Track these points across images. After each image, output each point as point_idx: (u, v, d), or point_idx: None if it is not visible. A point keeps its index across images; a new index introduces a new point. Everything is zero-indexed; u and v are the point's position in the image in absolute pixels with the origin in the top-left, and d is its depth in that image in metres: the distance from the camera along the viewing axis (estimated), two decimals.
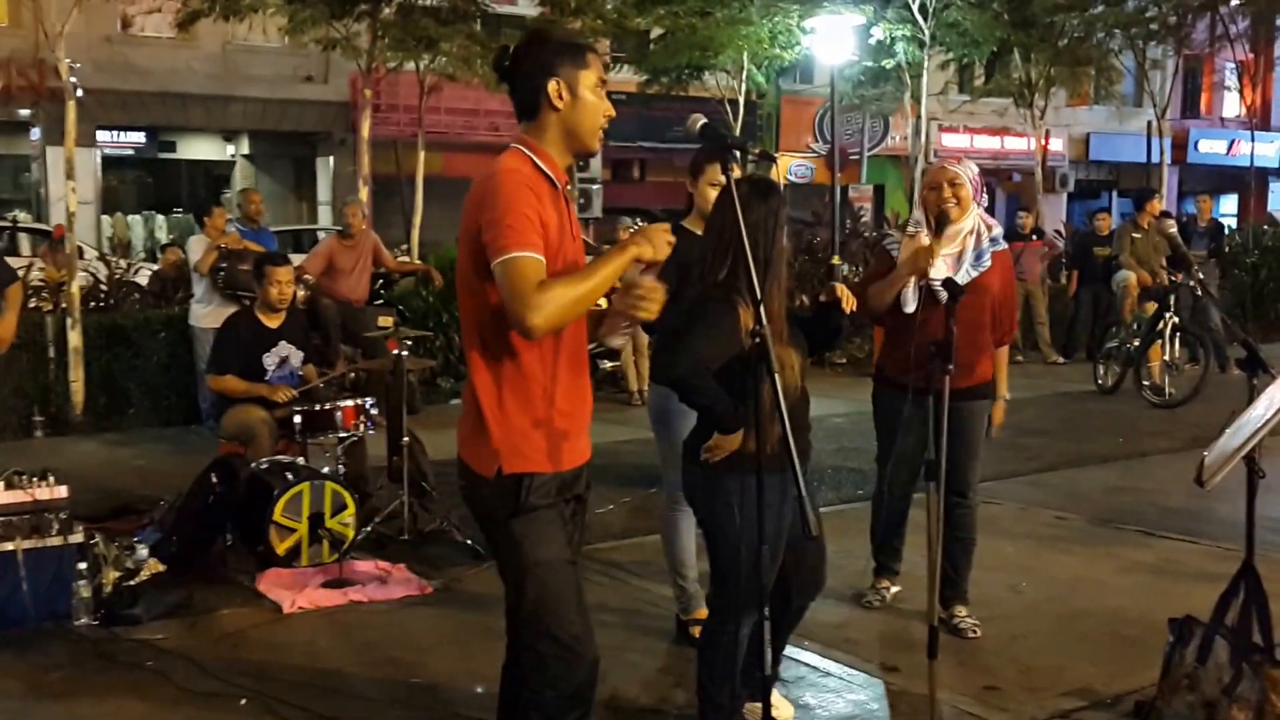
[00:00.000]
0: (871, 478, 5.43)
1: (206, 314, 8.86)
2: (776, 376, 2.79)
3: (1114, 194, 31.44)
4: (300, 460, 6.00)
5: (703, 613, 4.42)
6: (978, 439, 4.78)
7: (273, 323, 6.44)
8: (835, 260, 12.88)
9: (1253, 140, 19.87)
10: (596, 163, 17.09)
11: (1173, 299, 10.72)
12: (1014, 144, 28.08)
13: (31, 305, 10.40)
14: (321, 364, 7.30)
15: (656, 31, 16.78)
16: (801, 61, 17.61)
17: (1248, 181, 23.52)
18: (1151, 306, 11.05)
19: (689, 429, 3.63)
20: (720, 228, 3.51)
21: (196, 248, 9.02)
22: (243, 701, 4.12)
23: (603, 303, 2.84)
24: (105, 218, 21.47)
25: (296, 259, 8.45)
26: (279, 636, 4.81)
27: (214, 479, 5.75)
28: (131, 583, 5.06)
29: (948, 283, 3.90)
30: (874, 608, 5.08)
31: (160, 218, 22.84)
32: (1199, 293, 11.33)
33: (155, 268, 13.47)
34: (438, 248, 13.37)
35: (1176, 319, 10.68)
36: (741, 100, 16.59)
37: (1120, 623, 4.89)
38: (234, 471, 5.80)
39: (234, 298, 8.53)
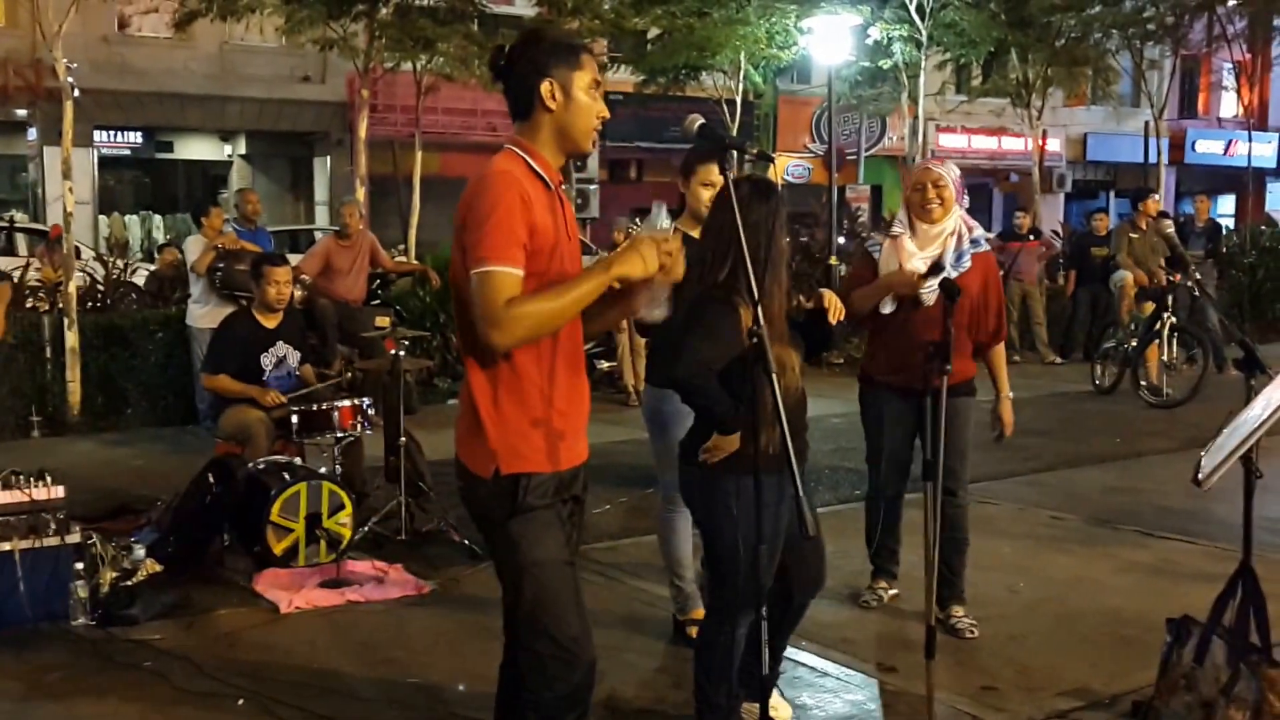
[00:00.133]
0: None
1: (204, 314, 8.85)
2: (777, 377, 2.79)
3: (1111, 194, 31.47)
4: (297, 460, 6.01)
5: (699, 613, 4.42)
6: (964, 437, 4.78)
7: (270, 323, 6.44)
8: (833, 260, 12.89)
9: (1250, 140, 19.90)
10: (594, 163, 17.09)
11: (1170, 299, 10.73)
12: (1011, 144, 28.10)
13: (28, 305, 10.43)
14: (319, 364, 7.30)
15: (654, 31, 16.77)
16: (799, 62, 17.60)
17: (1245, 182, 23.60)
18: (1149, 307, 11.06)
19: (685, 430, 3.63)
20: (720, 228, 3.50)
21: (194, 248, 9.01)
22: (240, 701, 4.12)
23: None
24: (102, 218, 21.46)
25: (293, 259, 8.45)
26: (276, 637, 4.81)
27: (211, 479, 5.75)
28: (129, 583, 5.06)
29: (945, 283, 3.91)
30: (871, 608, 5.08)
31: (157, 218, 22.82)
32: (1196, 293, 11.34)
33: (152, 268, 13.46)
34: (435, 248, 13.38)
35: (1174, 319, 10.69)
36: (739, 100, 16.59)
37: (1118, 623, 4.89)
38: (231, 472, 5.80)
39: (231, 298, 8.52)
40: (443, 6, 13.67)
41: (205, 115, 22.01)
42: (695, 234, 3.97)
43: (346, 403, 6.18)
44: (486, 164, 2.77)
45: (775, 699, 3.86)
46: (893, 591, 5.16)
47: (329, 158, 23.17)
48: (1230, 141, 30.20)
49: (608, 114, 2.86)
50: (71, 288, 9.53)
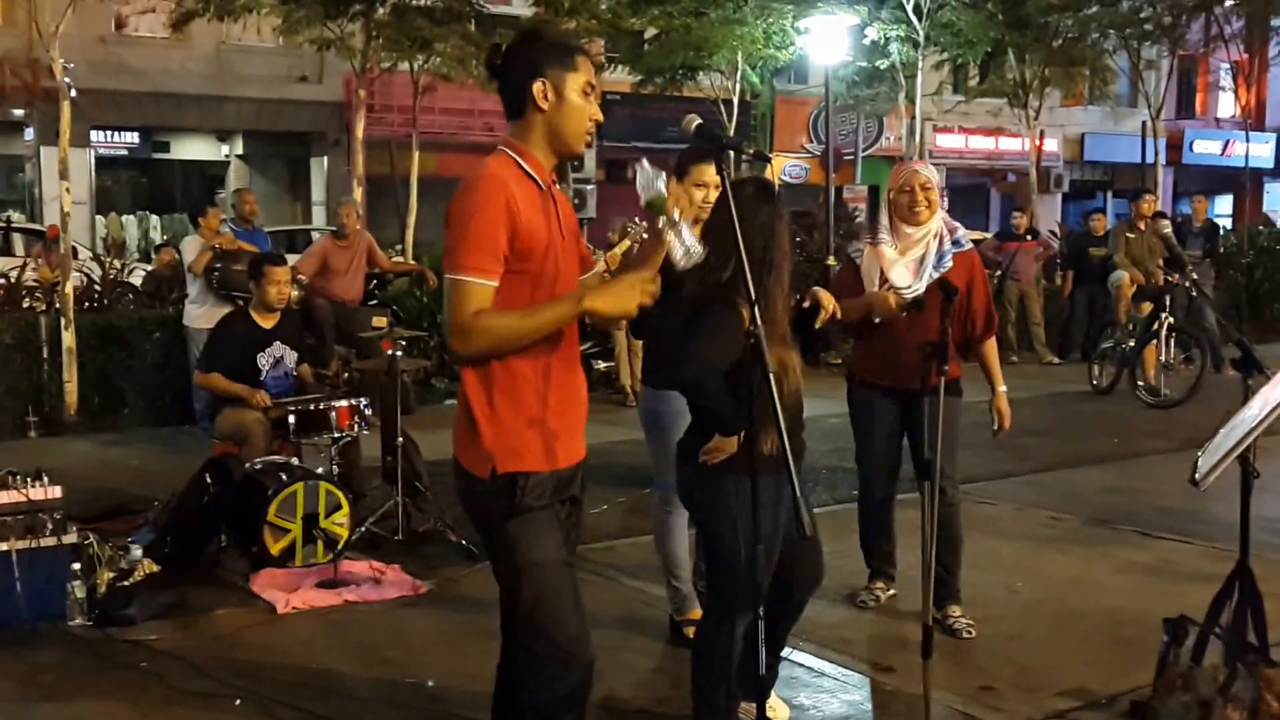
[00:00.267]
0: None
1: (201, 314, 8.83)
2: (779, 378, 2.79)
3: (1109, 194, 31.50)
4: (295, 460, 6.01)
5: (697, 613, 4.42)
6: (952, 435, 4.77)
7: (267, 323, 6.43)
8: (830, 261, 12.89)
9: (1247, 141, 19.87)
10: (591, 163, 17.07)
11: (1168, 299, 10.73)
12: (1008, 144, 28.12)
13: (25, 305, 10.43)
14: (316, 364, 7.29)
15: (651, 32, 16.77)
16: (796, 62, 17.62)
17: (1243, 182, 23.56)
18: (1147, 307, 11.06)
19: (681, 431, 3.63)
20: (722, 228, 3.49)
21: (191, 248, 8.99)
22: (237, 702, 4.12)
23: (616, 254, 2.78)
24: (99, 218, 21.44)
25: (291, 259, 8.44)
26: (273, 637, 4.81)
27: (208, 479, 5.75)
28: (126, 583, 5.06)
29: (944, 283, 3.91)
30: (868, 608, 5.08)
31: (154, 218, 22.81)
32: (1194, 293, 11.33)
33: (149, 268, 13.46)
34: (432, 248, 13.34)
35: (1171, 319, 10.69)
36: (736, 100, 16.60)
37: (1116, 623, 4.89)
38: (228, 472, 5.80)
39: (228, 298, 8.51)
40: (440, 6, 13.66)
41: (202, 115, 22.00)
42: None
43: (344, 403, 6.17)
44: (482, 165, 2.78)
45: (773, 699, 3.86)
46: (890, 592, 5.16)
47: (326, 158, 23.17)
48: (1228, 142, 30.19)
49: (600, 117, 2.85)
50: (68, 288, 9.52)
